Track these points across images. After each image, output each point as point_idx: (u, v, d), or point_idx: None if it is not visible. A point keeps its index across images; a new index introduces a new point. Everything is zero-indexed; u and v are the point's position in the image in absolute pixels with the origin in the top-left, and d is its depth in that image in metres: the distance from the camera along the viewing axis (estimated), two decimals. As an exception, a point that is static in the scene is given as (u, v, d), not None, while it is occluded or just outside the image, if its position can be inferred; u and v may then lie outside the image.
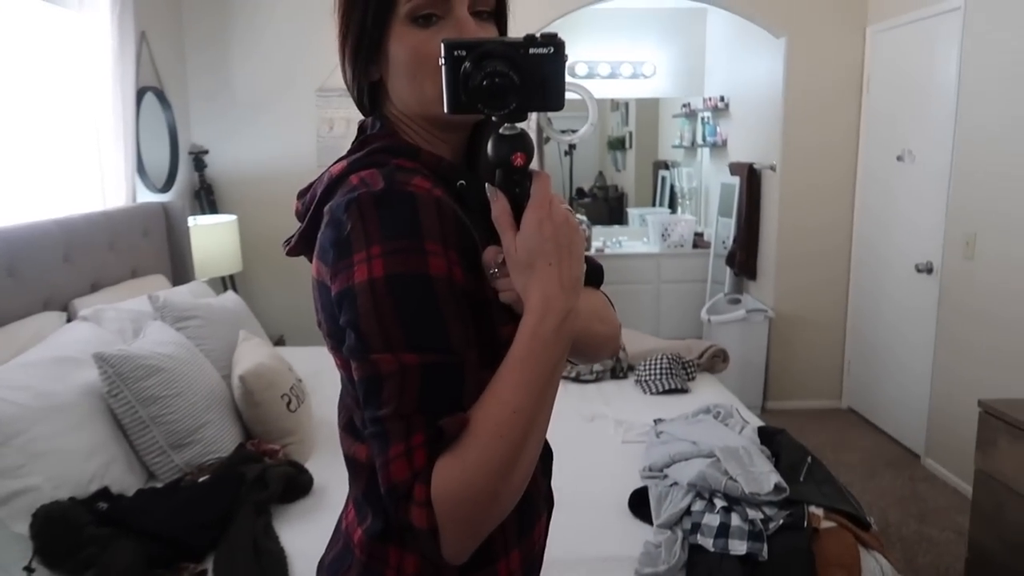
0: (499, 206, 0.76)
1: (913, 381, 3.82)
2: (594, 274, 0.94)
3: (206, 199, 4.21)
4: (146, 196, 3.64)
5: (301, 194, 0.88)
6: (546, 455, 0.95)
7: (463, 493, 0.70)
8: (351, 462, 0.88)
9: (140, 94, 3.64)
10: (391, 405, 0.71)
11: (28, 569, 1.62)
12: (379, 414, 0.72)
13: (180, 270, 3.47)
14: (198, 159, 4.24)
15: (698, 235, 5.40)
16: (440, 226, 0.74)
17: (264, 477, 1.97)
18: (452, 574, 0.82)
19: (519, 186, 0.76)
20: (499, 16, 0.86)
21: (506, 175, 0.76)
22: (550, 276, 0.74)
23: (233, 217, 3.92)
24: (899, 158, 3.93)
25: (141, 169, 3.63)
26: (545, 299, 0.74)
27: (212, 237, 3.72)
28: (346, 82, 0.87)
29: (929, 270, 3.66)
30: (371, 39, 0.81)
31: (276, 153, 4.29)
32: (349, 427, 0.87)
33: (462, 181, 0.82)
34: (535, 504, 0.90)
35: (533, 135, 1.27)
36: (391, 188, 0.74)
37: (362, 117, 0.90)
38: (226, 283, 4.04)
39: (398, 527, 0.75)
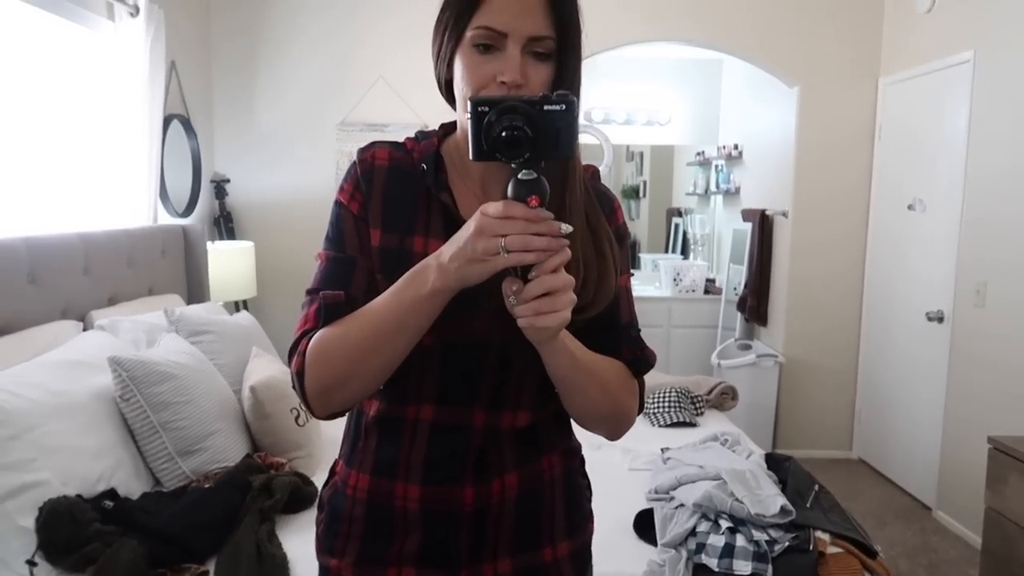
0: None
1: (924, 431, 3.78)
2: (638, 361, 1.03)
3: (225, 226, 4.28)
4: (167, 220, 3.71)
5: None
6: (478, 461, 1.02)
7: (322, 349, 0.93)
8: None
9: (167, 121, 3.74)
10: (310, 285, 1.00)
11: (31, 563, 1.62)
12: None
13: (196, 291, 3.52)
14: (219, 187, 4.33)
15: (710, 281, 5.42)
16: (357, 176, 1.00)
17: (270, 486, 1.98)
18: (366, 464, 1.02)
19: None
20: (564, 51, 0.93)
21: None
22: None
23: (250, 243, 3.99)
24: (910, 207, 3.96)
25: (164, 194, 3.71)
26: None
27: (229, 261, 3.77)
28: (436, 76, 1.01)
29: (940, 319, 3.66)
30: (447, 50, 0.96)
31: (295, 183, 4.38)
32: None
33: (423, 164, 1.00)
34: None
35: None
36: (360, 151, 1.02)
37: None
38: (239, 308, 4.08)
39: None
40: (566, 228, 0.81)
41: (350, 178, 1.01)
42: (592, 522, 1.13)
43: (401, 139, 1.04)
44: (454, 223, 0.95)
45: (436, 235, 0.97)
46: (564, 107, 0.79)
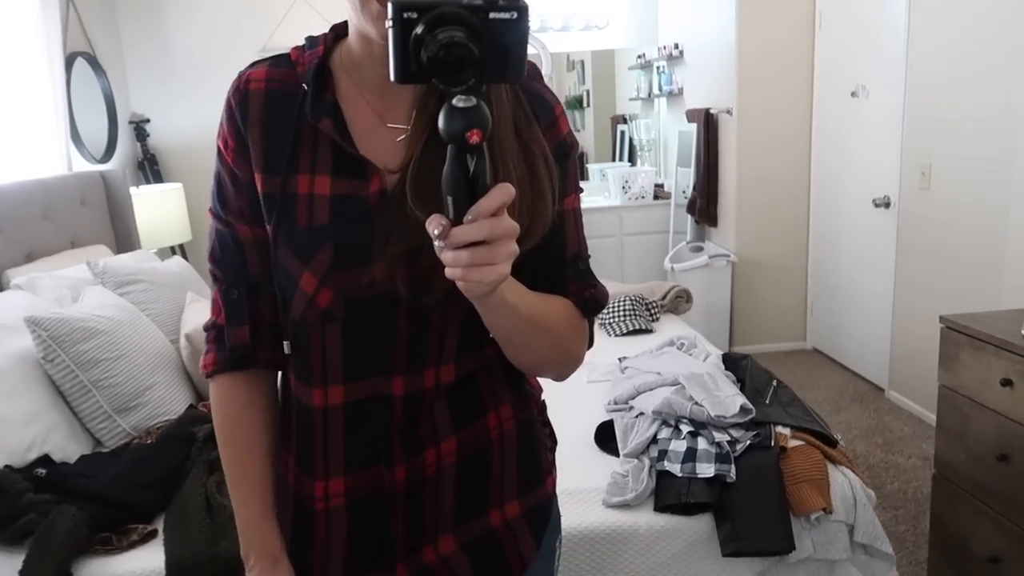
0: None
1: (875, 316, 3.84)
2: (588, 302, 0.88)
3: (150, 169, 4.05)
4: (84, 167, 3.48)
5: None
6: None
7: (218, 437, 0.91)
8: None
9: (70, 60, 3.47)
10: (207, 252, 0.89)
11: (-36, 541, 1.53)
12: None
13: (124, 240, 3.34)
14: (139, 128, 4.09)
15: (658, 186, 5.36)
16: (232, 110, 0.84)
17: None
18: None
19: (473, 164, 0.64)
20: None
21: (459, 151, 0.64)
22: None
23: (178, 185, 3.78)
24: (853, 94, 3.91)
25: (77, 138, 3.47)
26: None
27: (157, 206, 3.58)
28: None
29: (887, 204, 3.66)
30: None
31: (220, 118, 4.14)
32: None
33: (304, 84, 0.82)
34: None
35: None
36: (239, 75, 0.86)
37: None
38: (176, 253, 3.91)
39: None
40: None
41: (224, 115, 0.84)
42: (553, 475, 0.97)
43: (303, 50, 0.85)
44: (344, 154, 0.79)
45: (323, 171, 0.80)
46: (515, 15, 0.61)
